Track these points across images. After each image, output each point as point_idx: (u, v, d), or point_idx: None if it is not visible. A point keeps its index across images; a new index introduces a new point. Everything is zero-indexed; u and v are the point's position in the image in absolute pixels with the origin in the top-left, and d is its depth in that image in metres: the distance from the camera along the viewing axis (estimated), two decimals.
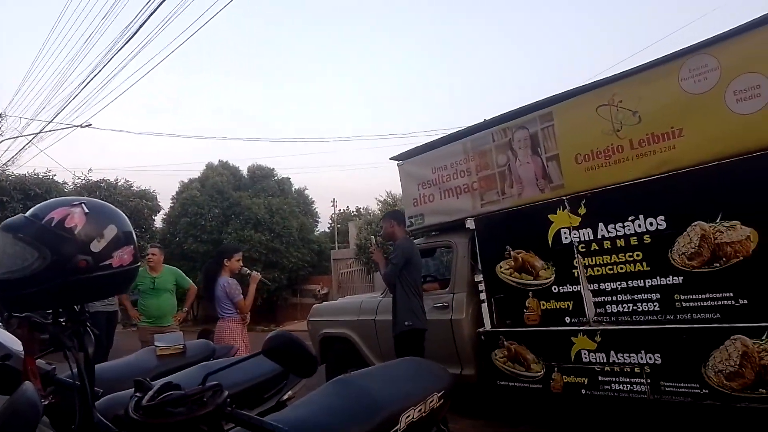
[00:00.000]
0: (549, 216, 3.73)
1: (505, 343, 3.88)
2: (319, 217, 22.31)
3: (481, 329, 4.05)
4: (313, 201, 21.32)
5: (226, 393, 1.25)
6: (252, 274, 4.36)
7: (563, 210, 3.66)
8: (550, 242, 3.70)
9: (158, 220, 16.93)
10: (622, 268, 3.37)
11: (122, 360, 2.91)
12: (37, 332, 1.52)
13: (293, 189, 20.78)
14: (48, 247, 1.25)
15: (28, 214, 1.36)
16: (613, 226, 3.44)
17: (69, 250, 1.27)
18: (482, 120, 4.64)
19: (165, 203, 17.96)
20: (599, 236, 3.50)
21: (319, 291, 17.74)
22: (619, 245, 3.39)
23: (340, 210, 30.19)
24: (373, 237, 3.80)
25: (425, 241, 5.04)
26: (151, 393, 1.28)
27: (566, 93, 3.84)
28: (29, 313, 1.44)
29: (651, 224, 3.25)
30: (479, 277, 4.11)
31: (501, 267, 3.97)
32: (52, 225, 1.28)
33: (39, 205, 1.38)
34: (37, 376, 1.46)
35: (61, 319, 1.40)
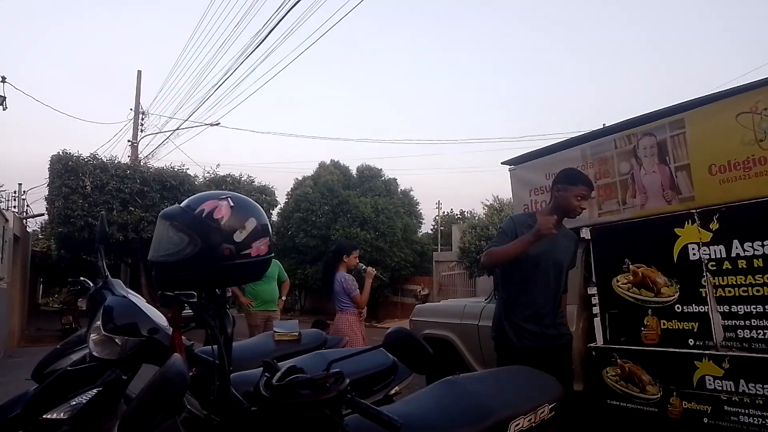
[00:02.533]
0: (675, 230, 3.47)
1: (619, 361, 3.67)
2: (423, 219, 22.50)
3: (592, 344, 3.86)
4: (418, 202, 21.57)
5: (348, 381, 1.32)
6: (368, 270, 4.53)
7: (692, 224, 3.39)
8: (675, 258, 3.45)
9: (274, 215, 18.00)
10: (758, 291, 3.06)
11: (244, 342, 3.16)
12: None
13: (399, 189, 21.16)
14: (199, 235, 1.39)
15: (182, 204, 1.52)
16: (750, 244, 3.13)
17: (216, 239, 1.40)
18: (602, 126, 4.43)
19: (281, 198, 19.08)
20: (733, 254, 3.20)
21: (419, 291, 17.87)
22: (756, 265, 3.08)
23: (444, 212, 30.16)
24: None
25: None
26: (279, 374, 1.38)
27: (701, 99, 3.55)
28: (179, 293, 1.62)
29: None
30: (593, 290, 3.93)
31: (618, 281, 3.76)
32: (203, 216, 1.42)
33: (191, 197, 1.54)
34: (183, 350, 1.64)
35: (204, 301, 1.55)
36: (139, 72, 18.38)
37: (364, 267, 4.65)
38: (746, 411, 3.06)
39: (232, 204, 1.47)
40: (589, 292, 3.97)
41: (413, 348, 1.43)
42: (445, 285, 17.31)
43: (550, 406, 1.78)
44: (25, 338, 11.73)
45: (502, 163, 5.09)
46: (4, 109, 9.33)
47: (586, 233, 4.07)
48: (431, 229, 28.78)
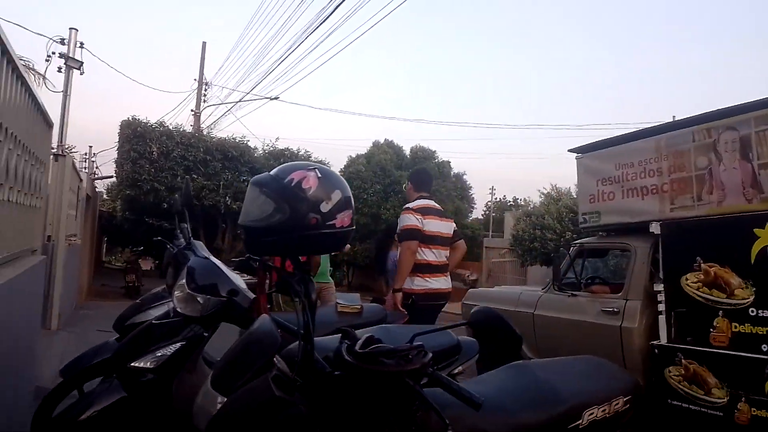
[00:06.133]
0: (755, 230, 3.31)
1: (683, 361, 3.57)
2: (474, 204, 22.24)
3: (655, 342, 3.76)
4: (471, 186, 21.26)
5: (431, 354, 1.34)
6: None
7: None
8: (752, 259, 3.29)
9: None
10: None
11: None
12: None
13: (452, 173, 20.93)
14: (287, 203, 1.42)
15: (272, 173, 1.56)
16: None
17: (304, 208, 1.43)
18: (672, 119, 4.26)
19: None
20: None
21: (468, 277, 17.74)
22: None
23: (496, 198, 29.72)
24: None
25: (598, 240, 4.79)
26: (360, 342, 1.42)
27: None
28: (265, 258, 1.68)
29: None
30: (659, 287, 3.81)
31: (687, 279, 3.63)
32: (292, 185, 1.45)
33: (280, 166, 1.58)
34: (267, 311, 1.72)
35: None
36: (204, 43, 18.91)
37: None
38: None
39: (319, 175, 1.50)
40: (654, 289, 3.86)
41: (501, 328, 1.43)
42: (494, 272, 17.15)
43: (624, 399, 1.76)
44: (92, 293, 12.44)
45: (569, 151, 4.98)
46: (81, 74, 9.80)
47: (655, 228, 3.94)
48: (482, 215, 28.50)
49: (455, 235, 4.12)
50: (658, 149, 4.09)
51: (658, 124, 4.48)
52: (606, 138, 4.73)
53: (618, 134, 4.66)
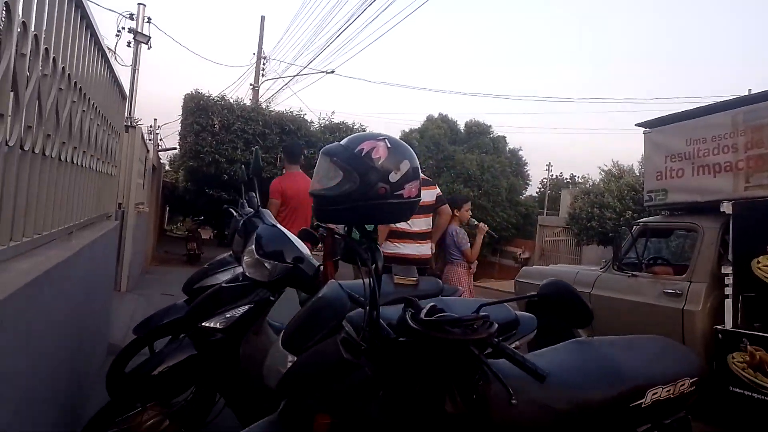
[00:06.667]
0: None
1: (749, 347, 3.42)
2: (530, 180, 21.73)
3: (719, 327, 3.62)
4: (526, 163, 20.78)
5: (496, 325, 1.35)
6: (479, 226, 4.57)
7: None
8: None
9: None
10: None
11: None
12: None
13: (507, 148, 20.50)
14: (357, 173, 1.44)
15: (342, 143, 1.58)
16: None
17: (373, 177, 1.44)
18: (747, 92, 4.01)
19: None
20: None
21: (520, 254, 17.53)
22: None
23: (553, 176, 28.93)
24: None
25: (663, 219, 4.61)
26: (425, 311, 1.45)
27: None
28: (333, 226, 1.72)
29: None
30: (727, 269, 3.65)
31: (759, 262, 3.46)
32: (362, 154, 1.47)
33: (350, 136, 1.60)
34: (334, 278, 1.77)
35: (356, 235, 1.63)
36: (263, 17, 19.10)
37: (475, 222, 4.72)
38: None
39: (389, 145, 1.50)
40: (722, 271, 3.70)
41: (571, 301, 1.43)
42: (548, 250, 16.84)
43: (691, 381, 1.71)
44: (156, 259, 13.09)
45: (637, 125, 4.79)
46: (149, 49, 10.18)
47: (727, 207, 3.76)
48: (536, 192, 27.86)
49: (438, 201, 4.30)
50: (734, 124, 3.87)
51: (734, 97, 4.25)
52: (676, 112, 4.51)
53: (689, 108, 4.44)
